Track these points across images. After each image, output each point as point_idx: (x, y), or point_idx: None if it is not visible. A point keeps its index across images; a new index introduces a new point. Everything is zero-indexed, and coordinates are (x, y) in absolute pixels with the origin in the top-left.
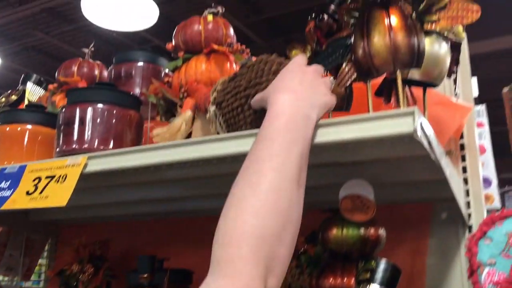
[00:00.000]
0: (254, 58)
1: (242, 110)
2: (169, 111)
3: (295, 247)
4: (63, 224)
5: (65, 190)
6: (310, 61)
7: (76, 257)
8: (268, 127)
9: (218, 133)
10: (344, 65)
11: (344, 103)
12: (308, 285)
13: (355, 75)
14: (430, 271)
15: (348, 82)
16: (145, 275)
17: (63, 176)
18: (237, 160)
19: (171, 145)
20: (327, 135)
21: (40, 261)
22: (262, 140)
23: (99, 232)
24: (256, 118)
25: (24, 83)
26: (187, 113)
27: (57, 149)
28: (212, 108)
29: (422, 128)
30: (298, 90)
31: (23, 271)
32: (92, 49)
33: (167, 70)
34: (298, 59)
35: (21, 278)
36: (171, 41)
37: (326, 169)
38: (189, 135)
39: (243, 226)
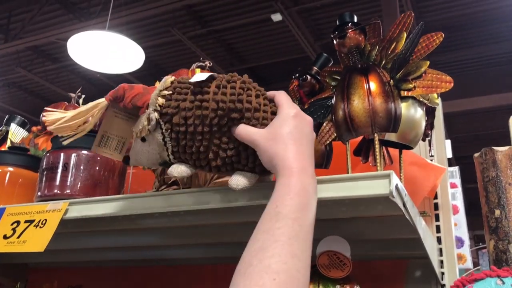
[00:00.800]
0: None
1: (210, 141)
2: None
3: None
4: (33, 267)
5: (43, 235)
6: None
7: None
8: (286, 204)
9: (160, 155)
10: (324, 124)
11: (323, 160)
12: None
13: (334, 135)
14: None
15: (328, 141)
16: None
17: (42, 221)
18: (216, 211)
19: (153, 195)
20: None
21: None
22: (279, 217)
23: (70, 277)
24: (237, 155)
25: (7, 124)
26: (101, 103)
27: (39, 193)
28: (153, 115)
29: (397, 190)
30: (305, 159)
31: None
32: (79, 94)
33: None
34: (291, 110)
35: None
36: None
37: None
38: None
39: None
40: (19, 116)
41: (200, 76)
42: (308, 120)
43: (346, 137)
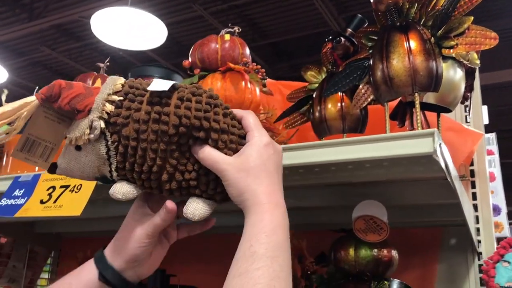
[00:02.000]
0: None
1: (165, 160)
2: None
3: (305, 268)
4: (66, 237)
5: (79, 200)
6: (326, 82)
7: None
8: (262, 243)
9: (99, 169)
10: (360, 86)
11: (358, 125)
12: None
13: (371, 97)
14: None
15: (364, 104)
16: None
17: (77, 186)
18: None
19: None
20: (343, 154)
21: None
22: (256, 258)
23: (98, 245)
24: (196, 179)
25: None
26: (31, 102)
27: None
28: (98, 123)
29: (440, 149)
30: (278, 193)
31: (25, 283)
32: (108, 63)
33: None
34: (263, 138)
35: None
36: (177, 61)
37: (338, 189)
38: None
39: None
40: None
41: (159, 83)
42: (279, 149)
43: (385, 97)
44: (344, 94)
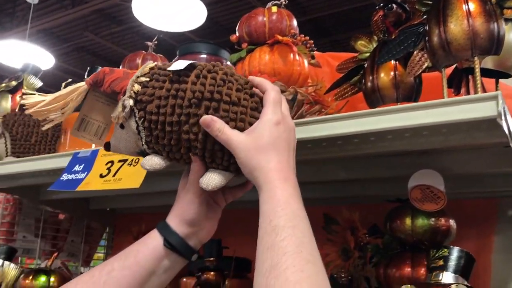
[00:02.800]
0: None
1: (179, 129)
2: None
3: (358, 239)
4: (120, 213)
5: (138, 173)
6: (379, 51)
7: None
8: (279, 215)
9: (136, 143)
10: (415, 53)
11: (412, 94)
12: (375, 274)
13: (426, 64)
14: (495, 269)
15: (419, 71)
16: (211, 259)
17: (135, 160)
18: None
19: None
20: (400, 121)
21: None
22: (278, 230)
23: (156, 220)
24: (211, 155)
25: (22, 72)
26: (81, 86)
27: None
28: (128, 102)
29: (504, 114)
30: (288, 169)
31: (83, 257)
32: (156, 42)
33: (228, 63)
34: (274, 116)
35: (81, 263)
36: (216, 41)
37: (393, 159)
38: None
39: None
40: (32, 64)
41: (179, 64)
42: (291, 126)
43: (442, 63)
44: (397, 62)
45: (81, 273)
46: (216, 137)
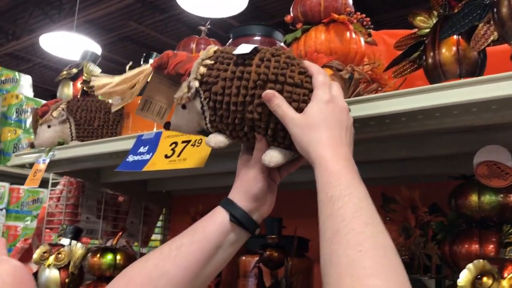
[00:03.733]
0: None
1: (243, 109)
2: None
3: (418, 218)
4: (175, 195)
5: (201, 153)
6: (440, 25)
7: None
8: (334, 186)
9: (199, 123)
10: (480, 27)
11: (476, 69)
12: (439, 252)
13: (491, 38)
14: None
15: (484, 45)
16: (273, 236)
17: (198, 141)
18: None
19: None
20: (468, 95)
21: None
22: (334, 200)
23: (210, 201)
24: (274, 134)
25: (82, 59)
26: (146, 69)
27: None
28: (194, 83)
29: None
30: (340, 145)
31: (142, 237)
32: (209, 26)
33: (282, 44)
34: (325, 96)
35: (140, 244)
36: None
37: (455, 136)
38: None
39: None
40: (92, 51)
41: (243, 48)
42: (343, 106)
43: None
44: (460, 36)
45: (141, 253)
46: (274, 112)
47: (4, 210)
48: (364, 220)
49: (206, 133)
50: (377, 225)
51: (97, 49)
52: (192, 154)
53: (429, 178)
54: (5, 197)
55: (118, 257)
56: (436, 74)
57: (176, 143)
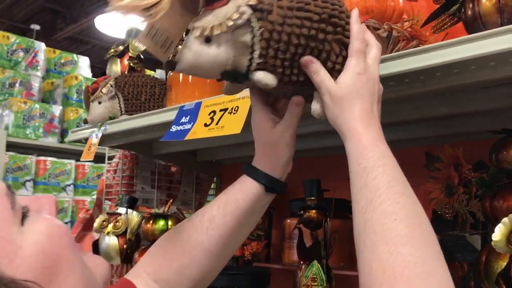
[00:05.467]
0: None
1: (307, 44)
2: None
3: (462, 175)
4: (225, 164)
5: (238, 119)
6: None
7: None
8: (367, 158)
9: (235, 60)
10: None
11: None
12: (480, 208)
13: None
14: None
15: None
16: (312, 198)
17: (234, 108)
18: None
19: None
20: (506, 43)
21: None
22: (368, 170)
23: None
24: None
25: (128, 36)
26: None
27: None
28: (247, 10)
29: None
30: (371, 117)
31: (195, 205)
32: None
33: None
34: (357, 68)
35: (194, 211)
36: None
37: (495, 89)
38: None
39: (403, 258)
40: (136, 28)
41: None
42: (375, 76)
43: None
44: None
45: None
46: (311, 78)
47: (72, 186)
48: (399, 190)
49: (235, 74)
50: (411, 195)
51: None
52: (229, 122)
53: (474, 135)
54: (72, 174)
55: (170, 223)
56: (476, 26)
57: (214, 111)
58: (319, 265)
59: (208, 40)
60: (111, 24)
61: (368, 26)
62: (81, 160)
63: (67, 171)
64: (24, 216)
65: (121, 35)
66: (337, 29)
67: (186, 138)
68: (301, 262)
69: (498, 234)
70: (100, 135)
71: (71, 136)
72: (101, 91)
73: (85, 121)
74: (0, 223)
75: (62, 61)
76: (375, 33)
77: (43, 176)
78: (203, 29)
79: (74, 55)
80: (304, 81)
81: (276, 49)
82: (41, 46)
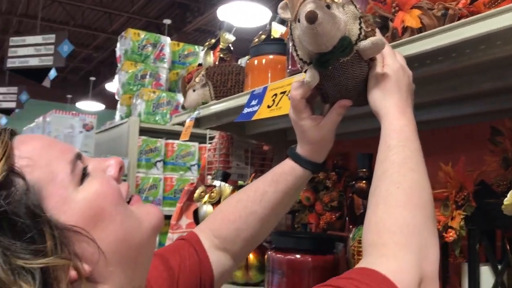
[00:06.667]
0: None
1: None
2: (385, 27)
3: None
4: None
5: None
6: None
7: None
8: (393, 138)
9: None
10: None
11: None
12: None
13: None
14: None
15: None
16: (364, 170)
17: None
18: None
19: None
20: None
21: None
22: (391, 148)
23: (347, 146)
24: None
25: (219, 29)
26: None
27: (287, 70)
28: None
29: None
30: (405, 106)
31: None
32: None
33: None
34: (394, 64)
35: None
36: None
37: None
38: None
39: (394, 217)
40: (227, 22)
41: None
42: (410, 73)
43: None
44: None
45: None
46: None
47: (161, 162)
48: (410, 167)
49: (346, 42)
50: (421, 173)
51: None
52: (287, 103)
53: None
54: (161, 151)
55: None
56: None
57: (276, 94)
58: None
59: (329, 6)
60: (232, 13)
61: (421, 7)
62: (180, 139)
63: (192, 153)
64: (84, 176)
65: (243, 24)
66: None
67: (253, 118)
68: (351, 226)
69: (509, 198)
70: (194, 118)
71: (174, 120)
72: (194, 80)
73: (183, 107)
74: (59, 185)
75: (186, 52)
76: (429, 13)
77: (171, 157)
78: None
79: (196, 47)
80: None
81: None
82: (167, 40)
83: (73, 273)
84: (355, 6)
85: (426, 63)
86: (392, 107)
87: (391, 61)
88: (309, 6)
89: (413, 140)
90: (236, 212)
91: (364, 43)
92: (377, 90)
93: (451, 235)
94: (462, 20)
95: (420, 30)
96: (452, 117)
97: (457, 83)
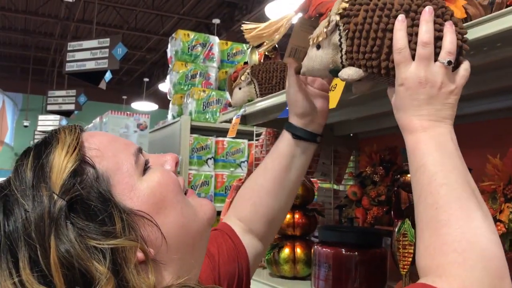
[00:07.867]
0: None
1: (384, 36)
2: None
3: None
4: (362, 137)
5: (335, 95)
6: None
7: (369, 162)
8: (411, 158)
9: (333, 59)
10: None
11: None
12: None
13: None
14: None
15: None
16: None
17: (333, 86)
18: None
19: None
20: None
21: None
22: (413, 170)
23: (397, 140)
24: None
25: None
26: (289, 15)
27: None
28: (334, 17)
29: None
30: (423, 119)
31: (334, 176)
32: None
33: None
34: (416, 72)
35: (333, 182)
36: None
37: None
38: None
39: (442, 238)
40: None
41: None
42: (433, 82)
43: None
44: None
45: (334, 189)
46: (394, 52)
47: (212, 159)
48: (439, 182)
49: (337, 70)
50: (452, 183)
51: None
52: (330, 98)
53: None
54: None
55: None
56: None
57: None
58: (409, 223)
59: (318, 47)
60: (280, 11)
61: None
62: (227, 136)
63: (241, 150)
64: (146, 168)
65: None
66: (413, 22)
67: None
68: (396, 220)
69: None
70: (240, 115)
71: (221, 118)
72: (240, 78)
73: (230, 105)
74: (126, 174)
75: (234, 51)
76: (475, 2)
77: (221, 154)
78: (313, 38)
79: (244, 45)
80: (392, 68)
81: (358, 44)
82: (215, 39)
83: (140, 255)
84: (339, 32)
85: (470, 53)
86: (405, 122)
87: (404, 74)
88: (307, 55)
89: (431, 152)
90: (249, 190)
91: (340, 72)
92: (393, 106)
93: (499, 229)
94: (510, 8)
95: (465, 20)
96: (500, 109)
97: (503, 74)
